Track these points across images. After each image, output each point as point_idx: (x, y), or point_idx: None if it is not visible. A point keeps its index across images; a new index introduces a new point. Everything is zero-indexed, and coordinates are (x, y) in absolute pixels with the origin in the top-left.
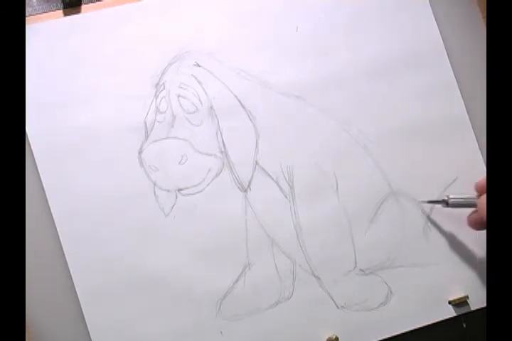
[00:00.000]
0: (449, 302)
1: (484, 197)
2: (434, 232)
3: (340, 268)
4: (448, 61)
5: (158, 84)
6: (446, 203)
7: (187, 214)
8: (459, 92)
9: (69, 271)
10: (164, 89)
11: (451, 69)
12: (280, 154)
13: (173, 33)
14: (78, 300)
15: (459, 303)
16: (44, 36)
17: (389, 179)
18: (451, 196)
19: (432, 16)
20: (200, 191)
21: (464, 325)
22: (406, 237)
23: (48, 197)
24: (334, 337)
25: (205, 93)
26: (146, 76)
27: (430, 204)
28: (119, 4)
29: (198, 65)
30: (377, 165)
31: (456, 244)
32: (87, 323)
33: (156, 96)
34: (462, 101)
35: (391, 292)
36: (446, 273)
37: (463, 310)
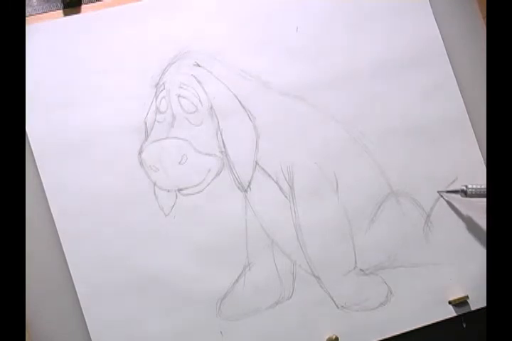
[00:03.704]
0: (449, 302)
1: None
2: (433, 232)
3: (340, 268)
4: (448, 61)
5: (158, 84)
6: (464, 193)
7: (187, 214)
8: (459, 92)
9: (69, 271)
10: (164, 89)
11: (451, 69)
12: (280, 154)
13: (173, 33)
14: (78, 300)
15: (459, 303)
16: (44, 36)
17: (389, 179)
18: (469, 186)
19: (432, 16)
20: (200, 191)
21: (464, 325)
22: (406, 237)
23: (47, 197)
24: (334, 337)
25: (205, 93)
26: (146, 76)
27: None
28: (119, 4)
29: (198, 65)
30: (378, 165)
31: (455, 244)
32: (87, 323)
33: (156, 96)
34: (462, 101)
35: (391, 292)
36: (446, 273)
37: (463, 310)
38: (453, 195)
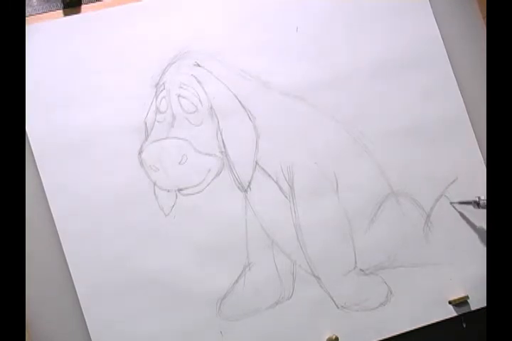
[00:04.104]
0: (449, 302)
1: None
2: (433, 232)
3: (340, 268)
4: (448, 61)
5: (158, 84)
6: (477, 204)
7: (187, 214)
8: (459, 92)
9: (69, 271)
10: (164, 89)
11: (451, 69)
12: (280, 154)
13: (173, 33)
14: (78, 300)
15: (459, 303)
16: (44, 36)
17: (389, 179)
18: (482, 197)
19: (432, 16)
20: (200, 191)
21: (464, 325)
22: (406, 237)
23: (47, 197)
24: (334, 337)
25: (205, 93)
26: (146, 76)
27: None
28: (119, 4)
29: (198, 65)
30: (378, 165)
31: (456, 245)
32: (87, 323)
33: (156, 96)
34: (462, 101)
35: (391, 292)
36: (446, 273)
37: (463, 310)
38: (465, 205)
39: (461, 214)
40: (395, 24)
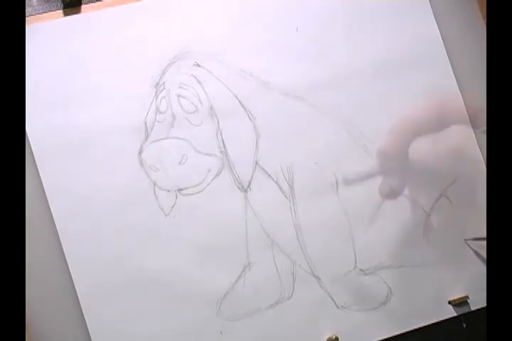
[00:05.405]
0: (449, 302)
1: None
2: (434, 232)
3: (340, 268)
4: (448, 61)
5: (158, 84)
6: None
7: (187, 214)
8: (459, 92)
9: (69, 271)
10: (164, 89)
11: (451, 69)
12: (280, 154)
13: (173, 33)
14: (78, 300)
15: (459, 303)
16: (44, 36)
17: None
18: None
19: (432, 16)
20: (200, 191)
21: (464, 325)
22: (406, 237)
23: (47, 197)
24: (334, 337)
25: (205, 93)
26: (146, 76)
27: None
28: (119, 4)
29: (198, 65)
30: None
31: (456, 244)
32: (87, 323)
33: (156, 96)
34: (462, 101)
35: (391, 292)
36: (446, 273)
37: (463, 310)
38: (481, 242)
39: (462, 213)
40: (395, 24)
